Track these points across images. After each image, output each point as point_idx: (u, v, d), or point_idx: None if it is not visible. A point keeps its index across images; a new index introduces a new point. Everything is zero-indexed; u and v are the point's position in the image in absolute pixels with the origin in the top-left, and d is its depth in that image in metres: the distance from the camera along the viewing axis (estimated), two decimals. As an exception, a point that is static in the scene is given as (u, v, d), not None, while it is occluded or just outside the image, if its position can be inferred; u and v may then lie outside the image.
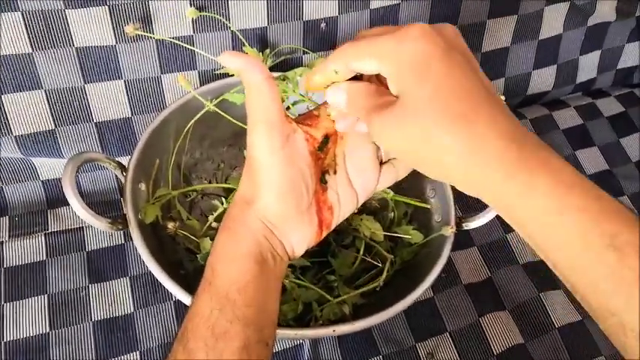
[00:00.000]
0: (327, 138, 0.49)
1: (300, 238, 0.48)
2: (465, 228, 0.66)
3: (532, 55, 0.91)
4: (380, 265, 0.64)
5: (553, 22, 0.89)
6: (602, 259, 0.35)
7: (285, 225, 0.46)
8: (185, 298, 0.56)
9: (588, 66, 0.97)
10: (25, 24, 0.65)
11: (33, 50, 0.67)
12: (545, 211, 0.36)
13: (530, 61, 0.91)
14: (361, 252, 0.65)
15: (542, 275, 0.77)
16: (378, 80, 0.44)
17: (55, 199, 0.77)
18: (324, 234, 0.50)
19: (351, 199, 0.51)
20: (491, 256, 0.78)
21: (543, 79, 0.94)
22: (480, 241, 0.79)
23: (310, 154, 0.47)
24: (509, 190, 0.36)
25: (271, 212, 0.46)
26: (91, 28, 0.67)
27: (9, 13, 0.64)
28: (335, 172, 0.50)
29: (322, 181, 0.49)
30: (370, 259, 0.65)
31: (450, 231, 0.63)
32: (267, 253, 0.46)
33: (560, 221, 0.35)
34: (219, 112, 0.66)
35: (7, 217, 0.74)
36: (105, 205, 0.77)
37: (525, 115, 0.95)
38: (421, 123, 0.37)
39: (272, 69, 0.72)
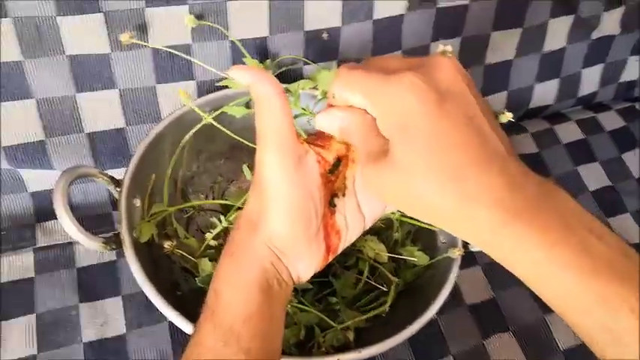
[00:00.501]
0: (338, 160, 0.47)
1: (307, 265, 0.46)
2: (472, 250, 0.64)
3: (535, 68, 0.89)
4: (384, 288, 0.62)
5: (557, 35, 0.87)
6: (593, 316, 0.35)
7: (293, 251, 0.44)
8: (182, 323, 0.53)
9: (590, 79, 0.96)
10: (16, 31, 0.62)
11: (23, 58, 0.64)
12: (535, 263, 0.35)
13: (533, 74, 0.89)
14: (365, 274, 0.63)
15: (547, 296, 0.75)
16: None
17: (44, 212, 0.73)
18: (331, 259, 0.48)
19: (358, 223, 0.49)
20: (495, 276, 0.76)
21: (546, 93, 0.92)
22: (484, 261, 0.77)
23: (321, 176, 0.45)
24: (500, 243, 0.36)
25: (279, 238, 0.43)
26: (84, 36, 0.64)
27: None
28: (344, 196, 0.48)
29: (331, 204, 0.47)
30: (374, 282, 0.63)
31: (456, 253, 0.61)
32: (273, 279, 0.44)
33: (549, 275, 0.35)
34: (216, 124, 0.63)
35: (-7, 231, 0.71)
36: (96, 219, 0.74)
37: (527, 128, 0.93)
38: (411, 181, 0.37)
39: (272, 80, 0.70)
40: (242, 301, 0.42)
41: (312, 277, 0.63)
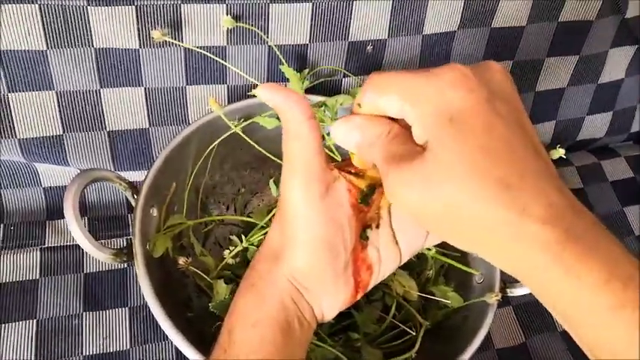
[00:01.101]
0: (372, 188, 0.42)
1: (332, 302, 0.41)
2: (510, 294, 0.59)
3: (588, 99, 0.83)
4: (412, 332, 0.57)
5: (616, 66, 0.82)
6: None
7: (317, 288, 0.40)
8: (190, 352, 0.49)
9: (644, 114, 0.90)
10: (42, 18, 0.58)
11: (48, 47, 0.60)
12: (594, 307, 0.30)
13: (585, 105, 0.84)
14: (392, 312, 0.58)
15: (582, 347, 0.69)
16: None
17: (56, 209, 0.70)
18: (360, 296, 0.43)
19: (393, 257, 0.43)
20: (527, 318, 0.71)
21: (596, 126, 0.87)
22: (517, 301, 0.72)
23: (352, 206, 0.40)
24: (552, 277, 0.30)
25: (302, 273, 0.39)
26: (113, 29, 0.60)
27: (26, 5, 0.57)
28: (378, 227, 0.43)
29: (362, 237, 0.42)
30: (399, 323, 0.58)
31: (493, 298, 0.56)
32: (294, 318, 0.39)
33: (611, 320, 0.29)
34: (244, 136, 0.59)
35: (1, 225, 0.67)
36: (110, 221, 0.70)
37: (572, 161, 0.87)
38: (449, 186, 0.31)
39: (308, 91, 0.65)
40: (258, 339, 0.38)
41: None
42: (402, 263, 0.45)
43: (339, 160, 0.56)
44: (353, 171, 0.41)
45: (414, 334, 0.57)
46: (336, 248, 0.39)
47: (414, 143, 0.34)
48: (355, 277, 0.41)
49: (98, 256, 0.53)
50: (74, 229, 0.51)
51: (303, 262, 0.39)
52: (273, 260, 0.40)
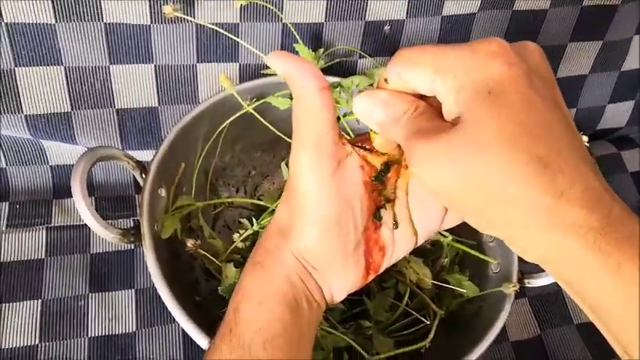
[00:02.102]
0: (387, 166, 0.40)
1: (341, 283, 0.40)
2: (528, 285, 0.57)
3: (611, 86, 0.81)
4: (426, 320, 0.55)
5: (640, 53, 0.79)
6: None
7: (326, 267, 0.38)
8: (197, 336, 0.48)
9: (667, 104, 0.87)
10: (51, -10, 0.56)
11: (56, 21, 0.58)
12: (633, 300, 0.28)
13: (607, 93, 0.82)
14: (405, 300, 0.56)
15: (599, 341, 0.67)
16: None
17: (63, 188, 0.68)
18: (371, 278, 0.41)
19: (408, 239, 0.41)
20: (543, 310, 0.70)
21: (618, 115, 0.84)
22: (533, 292, 0.70)
23: (364, 184, 0.39)
24: (588, 266, 0.28)
25: (310, 252, 0.38)
26: (124, 3, 0.59)
27: (34, -24, 0.56)
28: (393, 207, 0.41)
29: (376, 217, 0.40)
30: (412, 311, 0.56)
31: (511, 288, 0.54)
32: (302, 297, 0.38)
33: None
34: (257, 116, 0.57)
35: (7, 203, 0.66)
36: (118, 201, 0.69)
37: (592, 151, 0.85)
38: (483, 161, 0.29)
39: (323, 71, 0.62)
40: (265, 317, 0.36)
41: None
42: (417, 245, 0.43)
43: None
44: (367, 147, 0.40)
45: (427, 322, 0.55)
46: (346, 227, 0.37)
47: (442, 120, 0.32)
48: (367, 257, 0.40)
49: (105, 235, 0.51)
50: (81, 207, 0.50)
51: (311, 240, 0.37)
52: (281, 237, 0.38)
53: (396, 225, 0.40)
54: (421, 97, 0.35)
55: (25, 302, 0.60)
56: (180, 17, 0.60)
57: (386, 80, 0.35)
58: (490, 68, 0.30)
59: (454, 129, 0.30)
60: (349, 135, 0.55)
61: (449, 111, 0.32)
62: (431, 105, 0.35)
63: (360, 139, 0.40)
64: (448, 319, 0.58)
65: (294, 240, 0.37)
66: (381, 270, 0.41)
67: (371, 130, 0.38)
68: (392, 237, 0.41)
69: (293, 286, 0.37)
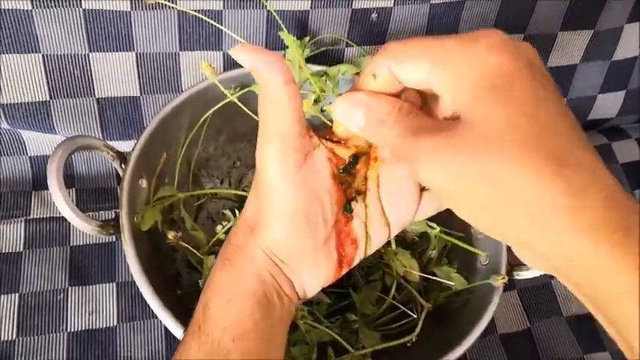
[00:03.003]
0: (356, 158, 0.39)
1: (313, 277, 0.39)
2: (517, 277, 0.56)
3: (601, 76, 0.80)
4: (413, 314, 0.54)
5: (631, 43, 0.78)
6: None
7: (296, 262, 0.38)
8: (178, 331, 0.46)
9: (658, 95, 0.86)
10: (27, -26, 0.55)
11: (33, 7, 0.57)
12: None
13: (597, 83, 0.80)
14: (392, 292, 0.55)
15: (588, 333, 0.67)
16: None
17: (43, 179, 0.66)
18: (344, 271, 0.40)
19: (381, 231, 0.41)
20: (532, 303, 0.69)
21: (608, 105, 0.83)
22: (522, 284, 0.69)
23: (332, 177, 0.38)
24: (606, 271, 0.26)
25: (279, 246, 0.37)
26: (103, -11, 0.57)
27: (8, -40, 0.54)
28: (364, 199, 0.40)
29: (346, 209, 0.39)
30: (399, 304, 0.55)
31: (499, 281, 0.53)
32: (273, 293, 0.37)
33: None
34: (241, 105, 0.56)
35: (-16, 194, 0.64)
36: (99, 193, 0.67)
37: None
38: (494, 159, 0.27)
39: (309, 60, 0.62)
40: (234, 315, 0.36)
41: (329, 287, 0.57)
42: (391, 237, 0.42)
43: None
44: (335, 139, 0.38)
45: (415, 316, 0.54)
46: (314, 220, 0.36)
47: (435, 119, 0.31)
48: (339, 250, 0.39)
49: (83, 227, 0.50)
50: (58, 198, 0.49)
51: (279, 235, 0.36)
52: (249, 233, 0.38)
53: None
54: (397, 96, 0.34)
55: (2, 296, 0.58)
56: (162, 3, 0.58)
57: (374, 76, 0.34)
58: (493, 61, 0.28)
59: (459, 126, 0.29)
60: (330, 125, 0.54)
61: (448, 105, 0.30)
62: (414, 103, 0.34)
63: (329, 131, 0.39)
64: (436, 312, 0.57)
65: (262, 235, 0.37)
66: (355, 263, 0.41)
67: (334, 120, 0.37)
68: (364, 230, 0.40)
69: (263, 281, 0.37)
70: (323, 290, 0.55)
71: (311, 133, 0.37)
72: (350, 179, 0.39)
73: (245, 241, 0.37)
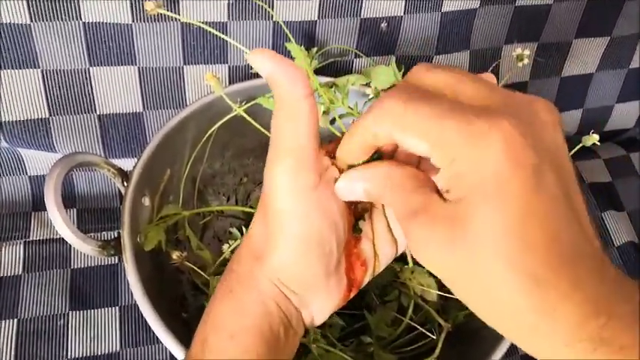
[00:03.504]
0: None
1: (323, 306, 0.37)
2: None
3: (618, 85, 0.78)
4: (428, 333, 0.52)
5: (649, 50, 0.76)
6: None
7: (307, 291, 0.35)
8: (183, 357, 0.43)
9: (678, 104, 0.84)
10: (25, -13, 0.53)
11: (32, 21, 0.55)
12: None
13: (614, 92, 0.78)
14: (409, 313, 0.53)
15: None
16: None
17: (43, 200, 0.63)
18: (352, 295, 0.38)
19: (389, 249, 0.38)
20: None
21: (626, 115, 0.81)
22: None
23: None
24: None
25: (290, 275, 0.34)
26: (103, 1, 0.55)
27: (7, -28, 0.52)
28: (371, 217, 0.38)
29: (356, 230, 0.37)
30: (416, 325, 0.52)
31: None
32: (279, 327, 0.35)
33: None
34: (248, 118, 0.53)
35: (-18, 216, 0.62)
36: (101, 213, 0.65)
37: (599, 154, 0.82)
38: (480, 264, 0.27)
39: (317, 72, 0.59)
40: (236, 353, 0.33)
41: (341, 309, 0.54)
42: (397, 254, 0.40)
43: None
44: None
45: (433, 337, 0.51)
46: (328, 245, 0.34)
47: (431, 188, 0.30)
48: (349, 275, 0.37)
49: (83, 248, 0.48)
50: (55, 217, 0.46)
51: (290, 263, 0.34)
52: (255, 260, 0.35)
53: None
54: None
55: (-1, 322, 0.56)
56: (165, 15, 0.57)
57: (376, 135, 0.31)
58: (493, 164, 0.26)
59: (455, 220, 0.28)
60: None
61: (441, 181, 0.29)
62: (407, 161, 0.33)
63: (334, 147, 0.37)
64: (455, 333, 0.54)
65: (270, 263, 0.34)
66: (363, 285, 0.38)
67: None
68: (372, 249, 0.38)
69: (269, 314, 0.34)
70: (336, 312, 0.53)
71: (323, 151, 0.34)
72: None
73: (250, 269, 0.35)
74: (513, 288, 0.26)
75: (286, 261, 0.34)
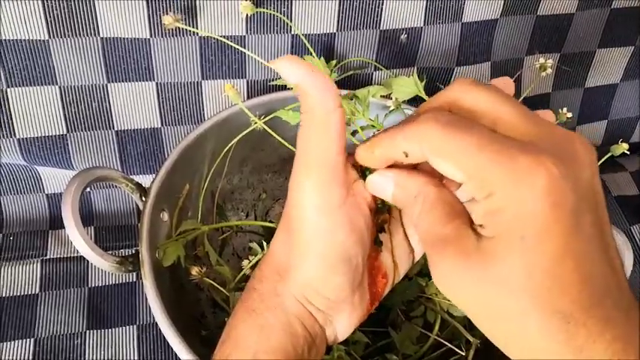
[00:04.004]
0: None
1: (347, 322, 0.36)
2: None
3: (644, 96, 0.76)
4: (457, 349, 0.50)
5: (675, 59, 0.74)
6: None
7: (333, 308, 0.34)
8: (204, 375, 0.42)
9: None
10: (44, 3, 0.53)
11: (50, 37, 0.55)
12: None
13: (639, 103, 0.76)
14: (435, 329, 0.51)
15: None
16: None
17: (60, 218, 0.63)
18: (374, 308, 0.37)
19: (407, 258, 0.37)
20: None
21: (652, 127, 0.79)
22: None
23: (371, 211, 0.34)
24: None
25: (316, 293, 0.33)
26: (121, 16, 0.55)
27: (25, -11, 0.52)
28: (389, 228, 0.37)
29: (377, 242, 0.36)
30: (444, 341, 0.51)
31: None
32: (304, 346, 0.34)
33: None
34: (269, 131, 0.52)
35: (0, 234, 0.61)
36: (119, 231, 0.64)
37: (625, 166, 0.80)
38: (508, 304, 0.27)
39: (336, 85, 0.58)
40: None
41: (366, 326, 0.52)
42: (414, 263, 0.38)
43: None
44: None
45: (462, 353, 0.49)
46: (355, 260, 0.33)
47: (461, 213, 0.29)
48: (371, 289, 0.36)
49: (100, 264, 0.46)
50: (72, 232, 0.45)
51: (317, 280, 0.33)
52: (279, 279, 0.34)
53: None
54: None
55: (16, 341, 0.55)
56: (182, 30, 0.56)
57: (407, 154, 0.30)
58: (533, 204, 0.25)
59: (484, 256, 0.27)
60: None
61: (477, 221, 0.28)
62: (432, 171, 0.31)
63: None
64: (484, 348, 0.52)
65: (295, 280, 0.33)
66: (382, 298, 0.37)
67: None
68: (392, 261, 0.37)
69: (294, 335, 0.33)
70: (360, 329, 0.51)
71: (350, 163, 0.33)
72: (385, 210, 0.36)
73: (273, 287, 0.34)
74: (542, 326, 0.26)
75: (312, 278, 0.33)
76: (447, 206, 0.30)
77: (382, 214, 0.36)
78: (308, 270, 0.33)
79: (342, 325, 0.35)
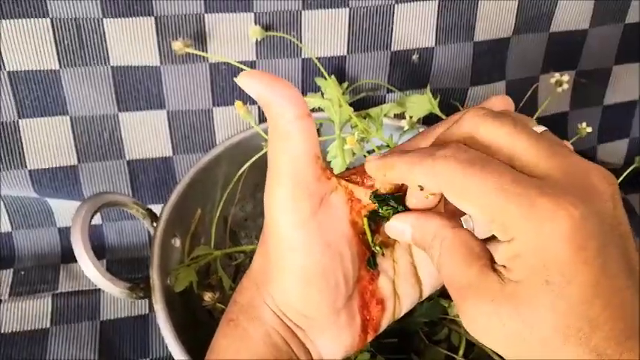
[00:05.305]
0: (387, 198, 0.34)
1: (333, 345, 0.34)
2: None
3: (665, 113, 0.74)
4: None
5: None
6: None
7: (312, 327, 0.33)
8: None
9: None
10: (54, 33, 0.53)
11: (60, 67, 0.55)
12: None
13: (660, 120, 0.75)
14: (460, 352, 0.48)
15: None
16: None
17: (72, 251, 0.62)
18: (370, 338, 0.35)
19: (411, 291, 0.36)
20: None
21: (675, 144, 0.77)
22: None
23: (351, 225, 0.33)
24: None
25: (292, 308, 0.32)
26: (131, 44, 0.55)
27: (37, 19, 0.53)
28: (393, 253, 0.35)
29: (370, 264, 0.34)
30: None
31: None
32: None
33: None
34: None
35: (11, 270, 0.61)
36: (132, 263, 0.63)
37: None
38: (539, 348, 0.26)
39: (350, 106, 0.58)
40: None
41: (386, 353, 0.50)
42: (422, 299, 0.37)
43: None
44: (355, 180, 0.33)
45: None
46: (334, 278, 0.32)
47: (485, 260, 0.28)
48: (363, 313, 0.34)
49: (110, 289, 0.45)
50: (82, 258, 0.45)
51: (290, 295, 0.32)
52: (256, 290, 0.33)
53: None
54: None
55: (26, 378, 0.53)
56: (192, 57, 0.56)
57: (422, 188, 0.29)
58: (555, 249, 0.25)
59: (512, 299, 0.26)
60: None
61: (501, 263, 0.27)
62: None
63: (351, 172, 0.34)
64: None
65: (270, 292, 0.32)
66: (382, 328, 0.35)
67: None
68: (392, 289, 0.35)
69: (274, 346, 0.32)
70: (380, 354, 0.49)
71: (328, 173, 0.32)
72: (374, 227, 0.34)
73: (251, 299, 0.33)
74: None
75: (287, 293, 0.32)
76: (466, 249, 0.29)
77: (382, 237, 0.34)
78: (283, 284, 0.32)
79: (328, 347, 0.34)
